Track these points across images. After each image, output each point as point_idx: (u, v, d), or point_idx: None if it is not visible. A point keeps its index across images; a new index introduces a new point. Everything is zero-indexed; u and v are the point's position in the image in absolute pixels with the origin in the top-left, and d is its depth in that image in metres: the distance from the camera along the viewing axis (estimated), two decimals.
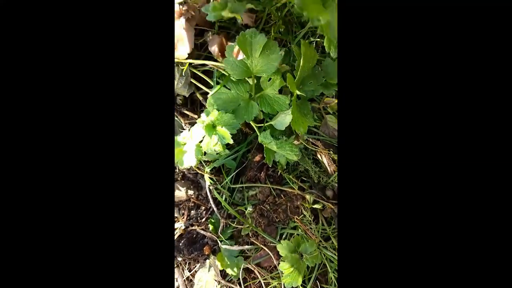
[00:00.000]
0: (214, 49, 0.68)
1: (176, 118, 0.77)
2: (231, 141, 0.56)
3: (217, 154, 0.69)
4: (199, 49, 0.73)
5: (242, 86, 0.56)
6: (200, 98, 0.72)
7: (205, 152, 0.62)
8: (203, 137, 0.59)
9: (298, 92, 0.47)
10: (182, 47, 0.63)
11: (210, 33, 0.69)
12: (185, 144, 0.67)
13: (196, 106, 0.77)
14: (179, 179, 0.82)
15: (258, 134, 0.63)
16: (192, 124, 0.75)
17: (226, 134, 0.55)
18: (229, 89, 0.58)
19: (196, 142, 0.62)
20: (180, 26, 0.64)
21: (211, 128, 0.57)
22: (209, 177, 0.73)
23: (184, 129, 0.75)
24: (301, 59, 0.49)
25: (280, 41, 0.67)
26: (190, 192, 0.80)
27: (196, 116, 0.74)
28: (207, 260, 0.77)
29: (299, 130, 0.46)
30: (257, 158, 0.73)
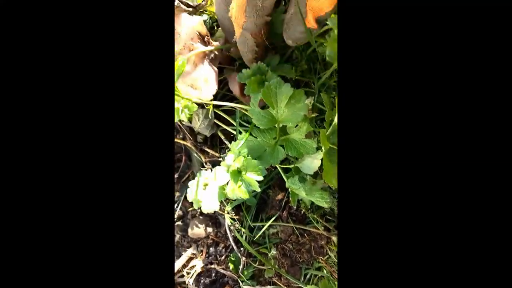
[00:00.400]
0: (235, 88, 0.68)
1: (195, 155, 0.78)
2: (259, 189, 0.55)
3: None
4: (219, 86, 0.74)
5: (268, 134, 0.56)
6: (222, 136, 0.73)
7: None
8: (228, 182, 0.59)
9: (331, 146, 0.47)
10: (208, 89, 0.63)
11: (230, 70, 0.70)
12: (206, 184, 0.67)
13: (215, 141, 0.78)
14: (197, 215, 0.81)
15: (285, 179, 0.63)
16: (212, 162, 0.75)
17: (253, 182, 0.55)
18: (254, 136, 0.58)
19: (219, 185, 0.62)
20: (205, 68, 0.64)
21: (237, 173, 0.57)
22: (230, 217, 0.72)
23: (204, 167, 0.75)
24: (334, 114, 0.49)
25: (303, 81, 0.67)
26: (209, 229, 0.79)
27: (217, 154, 0.74)
28: None
29: (331, 183, 0.46)
30: (279, 196, 0.73)
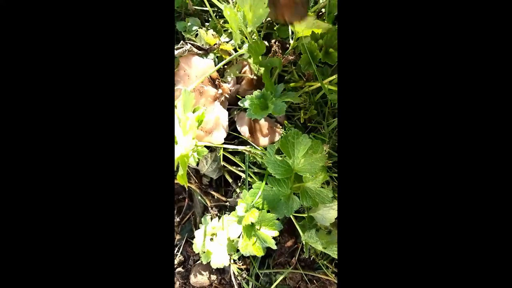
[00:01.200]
0: (244, 130, 0.66)
1: (200, 198, 0.74)
2: (275, 247, 0.52)
3: None
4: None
5: (283, 183, 0.54)
6: (229, 179, 0.69)
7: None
8: (240, 236, 0.56)
9: None
10: (218, 132, 0.61)
11: (238, 110, 0.68)
12: (214, 234, 0.63)
13: (220, 182, 0.74)
14: (200, 260, 0.76)
15: (299, 229, 0.60)
16: (218, 206, 0.72)
17: (269, 239, 0.52)
18: (268, 184, 0.55)
19: (229, 237, 0.59)
20: (215, 111, 0.62)
21: (251, 228, 0.54)
22: (237, 267, 0.68)
23: (209, 213, 0.71)
24: None
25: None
26: (213, 276, 0.74)
27: (223, 198, 0.71)
28: None
29: None
30: (289, 243, 0.70)
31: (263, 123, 0.66)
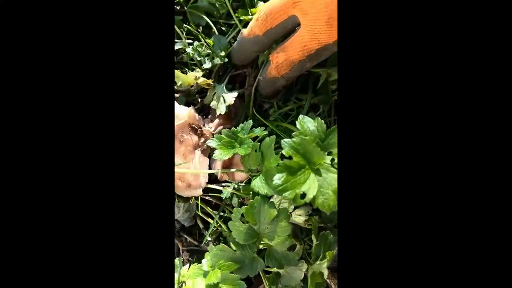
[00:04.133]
0: (217, 167, 0.66)
1: (175, 241, 0.76)
2: None
3: None
4: None
5: (248, 247, 0.55)
6: (201, 225, 0.71)
7: None
8: None
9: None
10: (197, 185, 0.62)
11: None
12: (183, 282, 0.65)
13: (194, 227, 0.76)
14: None
15: (265, 283, 0.62)
16: (189, 251, 0.74)
17: None
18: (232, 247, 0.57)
19: None
20: (195, 161, 0.63)
21: (214, 286, 0.56)
22: None
23: (180, 255, 0.73)
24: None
25: None
26: None
27: (195, 243, 0.73)
28: None
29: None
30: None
31: (238, 159, 0.67)
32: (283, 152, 0.42)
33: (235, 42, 0.65)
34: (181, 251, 0.73)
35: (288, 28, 0.55)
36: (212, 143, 0.58)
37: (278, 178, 0.41)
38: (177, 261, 0.69)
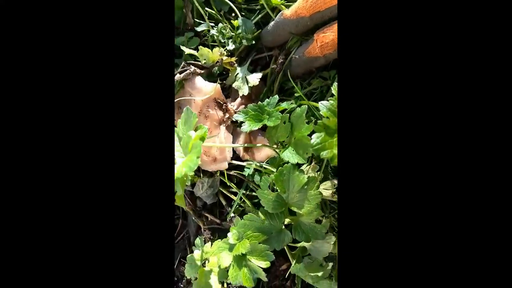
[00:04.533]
0: (239, 150, 0.68)
1: (193, 219, 0.77)
2: (265, 279, 0.54)
3: None
4: None
5: (276, 217, 0.56)
6: (223, 202, 0.72)
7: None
8: (230, 265, 0.58)
9: None
10: (222, 159, 0.63)
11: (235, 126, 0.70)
12: (206, 259, 0.65)
13: (214, 203, 0.77)
14: (192, 281, 0.79)
15: (290, 259, 0.62)
16: (211, 229, 0.74)
17: (260, 271, 0.54)
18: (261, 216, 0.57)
19: (219, 264, 0.61)
20: (220, 136, 0.64)
21: (241, 258, 0.56)
22: None
23: (201, 234, 0.74)
24: None
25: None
26: None
27: (217, 220, 0.73)
28: None
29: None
30: (284, 266, 0.72)
31: (260, 138, 0.68)
32: (321, 113, 0.43)
33: (271, 23, 0.67)
34: (202, 229, 0.73)
35: (335, 13, 0.59)
36: (239, 116, 0.59)
37: (316, 137, 0.43)
38: (198, 240, 0.69)
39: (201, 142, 0.47)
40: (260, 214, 0.57)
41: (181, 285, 0.80)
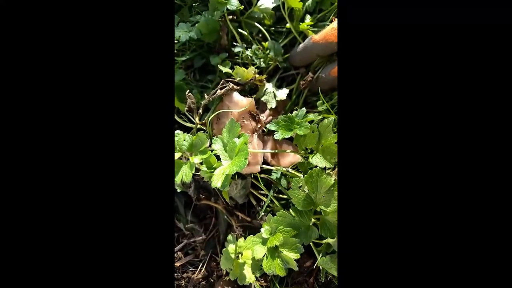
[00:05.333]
0: (267, 156, 0.78)
1: (225, 217, 0.85)
2: (297, 268, 0.63)
3: None
4: None
5: (305, 214, 0.65)
6: (254, 202, 0.81)
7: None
8: (264, 256, 0.66)
9: None
10: (254, 163, 0.73)
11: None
12: (240, 253, 0.74)
13: (244, 203, 0.86)
14: (223, 276, 0.87)
15: (316, 254, 0.70)
16: (242, 227, 0.83)
17: (292, 261, 0.62)
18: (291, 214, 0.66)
19: (253, 256, 0.69)
20: (253, 143, 0.74)
21: (274, 250, 0.65)
22: (259, 284, 0.79)
23: (234, 232, 0.82)
24: None
25: None
26: None
27: (247, 219, 0.82)
28: None
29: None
30: (308, 263, 0.80)
31: (285, 146, 0.78)
32: None
33: (300, 46, 0.79)
34: (234, 227, 0.82)
35: None
36: (272, 126, 0.69)
37: None
38: (230, 236, 0.78)
39: (246, 146, 0.57)
40: (290, 211, 0.65)
41: (212, 280, 0.88)
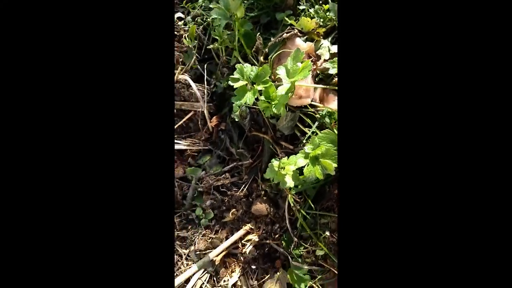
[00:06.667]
0: (316, 97, 0.94)
1: (270, 147, 1.02)
2: (333, 172, 0.77)
3: (303, 181, 0.91)
4: None
5: None
6: (298, 134, 0.97)
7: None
8: (306, 165, 0.82)
9: None
10: (306, 97, 0.90)
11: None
12: (283, 167, 0.90)
13: (289, 136, 1.02)
14: (261, 195, 1.03)
15: None
16: (286, 153, 0.99)
17: (330, 166, 0.77)
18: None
19: (295, 168, 0.85)
20: (307, 81, 0.91)
21: (316, 159, 0.80)
22: (293, 199, 0.94)
23: (278, 155, 0.99)
24: None
25: None
26: (270, 208, 1.00)
27: (291, 147, 0.98)
28: (277, 273, 0.94)
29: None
30: (337, 191, 0.94)
31: (332, 96, 0.94)
32: None
33: None
34: (279, 152, 0.98)
35: None
36: (328, 64, 0.85)
37: None
38: (273, 159, 0.94)
39: (310, 64, 0.74)
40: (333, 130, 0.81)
41: (251, 199, 1.04)
